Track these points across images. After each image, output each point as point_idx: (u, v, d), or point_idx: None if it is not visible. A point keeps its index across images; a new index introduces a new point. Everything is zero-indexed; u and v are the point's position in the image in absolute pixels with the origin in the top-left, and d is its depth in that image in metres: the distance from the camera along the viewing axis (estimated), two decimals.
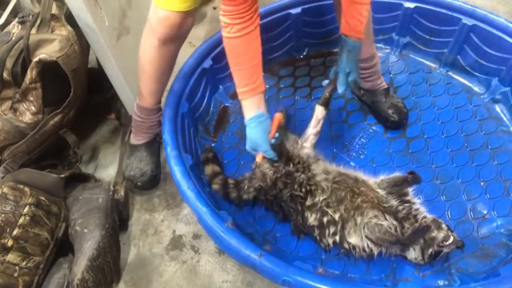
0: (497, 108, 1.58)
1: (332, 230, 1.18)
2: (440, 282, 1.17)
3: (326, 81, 1.33)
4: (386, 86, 1.54)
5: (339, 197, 1.19)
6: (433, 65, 1.74)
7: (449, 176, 1.40)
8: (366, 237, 1.14)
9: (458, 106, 1.59)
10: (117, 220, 1.32)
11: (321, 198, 1.20)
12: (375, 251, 1.16)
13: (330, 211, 1.18)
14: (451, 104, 1.60)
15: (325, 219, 1.18)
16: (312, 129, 1.30)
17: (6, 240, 1.12)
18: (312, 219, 1.20)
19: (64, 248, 1.27)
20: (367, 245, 1.15)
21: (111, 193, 1.33)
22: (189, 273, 1.28)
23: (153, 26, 1.18)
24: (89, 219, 1.24)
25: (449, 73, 1.70)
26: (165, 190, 1.47)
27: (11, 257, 1.13)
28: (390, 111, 1.51)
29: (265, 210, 1.34)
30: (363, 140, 1.52)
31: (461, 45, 1.62)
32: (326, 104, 1.30)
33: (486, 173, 1.40)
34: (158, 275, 1.28)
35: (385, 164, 1.43)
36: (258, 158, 1.22)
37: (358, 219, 1.15)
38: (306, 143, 1.29)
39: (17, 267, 1.14)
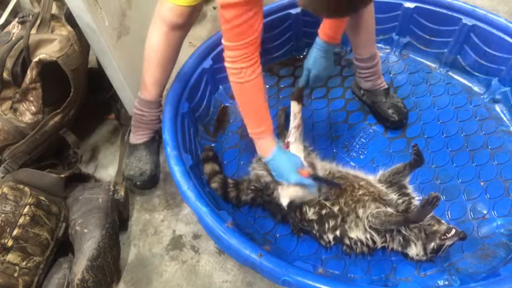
0: (497, 108, 1.58)
1: (332, 223, 1.18)
2: (440, 282, 1.17)
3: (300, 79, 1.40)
4: (386, 86, 1.54)
5: (339, 191, 1.20)
6: (433, 65, 1.74)
7: (449, 176, 1.40)
8: (370, 227, 1.14)
9: (458, 106, 1.60)
10: (117, 220, 1.32)
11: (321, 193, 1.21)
12: (378, 243, 1.16)
13: (328, 204, 1.19)
14: (451, 104, 1.60)
15: (323, 212, 1.19)
16: (292, 124, 1.31)
17: (6, 240, 1.12)
18: (310, 213, 1.21)
19: (64, 248, 1.27)
20: (370, 237, 1.15)
21: (111, 193, 1.33)
22: (189, 273, 1.28)
23: (162, 13, 1.22)
24: (89, 219, 1.24)
25: (449, 73, 1.70)
26: (165, 190, 1.47)
27: (11, 257, 1.13)
28: (390, 111, 1.51)
29: (263, 211, 1.34)
30: (363, 140, 1.52)
31: (461, 45, 1.63)
32: (298, 99, 1.32)
33: (486, 173, 1.40)
34: (158, 275, 1.28)
35: (385, 164, 1.43)
36: (305, 174, 1.16)
37: (360, 211, 1.16)
38: (290, 138, 1.30)
39: (17, 267, 1.14)
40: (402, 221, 1.11)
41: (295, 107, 1.31)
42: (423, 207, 1.04)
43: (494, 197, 1.34)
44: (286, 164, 1.15)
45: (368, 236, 1.16)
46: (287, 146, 1.29)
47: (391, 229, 1.15)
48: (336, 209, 1.18)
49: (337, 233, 1.19)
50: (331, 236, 1.20)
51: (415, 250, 1.15)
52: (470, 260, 1.21)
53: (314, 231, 1.22)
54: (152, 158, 1.45)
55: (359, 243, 1.17)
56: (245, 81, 1.05)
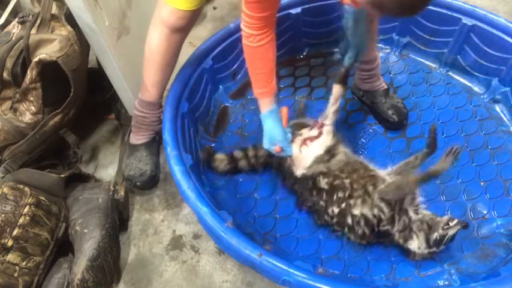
0: (497, 108, 1.58)
1: (340, 195, 1.21)
2: (440, 282, 1.17)
3: (338, 56, 1.31)
4: (385, 87, 1.54)
5: (353, 168, 1.24)
6: (433, 65, 1.74)
7: (449, 176, 1.40)
8: (382, 199, 1.16)
9: (458, 106, 1.59)
10: (117, 220, 1.32)
11: (337, 167, 1.25)
12: (385, 215, 1.16)
13: (343, 175, 1.23)
14: (451, 104, 1.60)
15: (335, 183, 1.22)
16: (330, 108, 1.32)
17: (6, 240, 1.12)
18: (323, 182, 1.24)
19: (64, 248, 1.27)
20: (378, 211, 1.16)
21: (111, 193, 1.33)
22: (189, 273, 1.28)
23: (164, 16, 1.23)
24: (89, 219, 1.24)
25: (449, 73, 1.70)
26: (165, 190, 1.47)
27: (11, 257, 1.13)
28: (390, 111, 1.51)
29: (273, 171, 1.40)
30: (363, 140, 1.52)
31: (461, 45, 1.62)
32: (342, 82, 1.31)
33: (486, 173, 1.40)
34: (158, 275, 1.28)
35: (385, 164, 1.42)
36: (276, 150, 1.28)
37: (370, 188, 1.19)
38: (326, 121, 1.32)
39: (17, 267, 1.14)
40: (428, 176, 1.17)
41: (337, 91, 1.30)
42: (447, 157, 1.18)
43: (494, 197, 1.34)
44: (266, 132, 1.28)
45: (375, 211, 1.16)
46: (321, 126, 1.31)
47: (401, 202, 1.16)
48: (347, 182, 1.21)
49: (343, 206, 1.20)
50: (336, 210, 1.20)
51: (416, 243, 1.16)
52: (470, 260, 1.21)
53: (321, 203, 1.24)
54: (152, 159, 1.46)
55: (362, 222, 1.17)
56: (254, 46, 1.16)
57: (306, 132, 1.33)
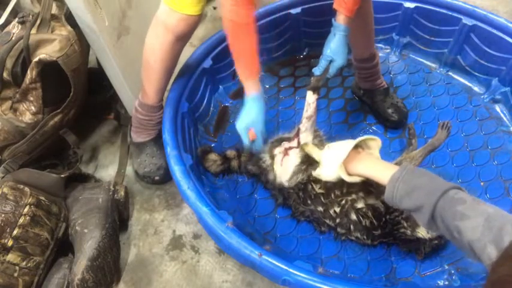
0: (497, 108, 1.58)
1: (337, 192, 1.20)
2: (440, 282, 1.17)
3: (315, 68, 1.31)
4: (386, 86, 1.55)
5: None
6: (433, 65, 1.74)
7: (449, 176, 1.40)
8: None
9: (458, 106, 1.60)
10: (117, 220, 1.32)
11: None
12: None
13: None
14: (451, 104, 1.60)
15: (329, 183, 1.21)
16: (304, 113, 1.31)
17: (6, 240, 1.12)
18: (317, 188, 1.22)
19: (64, 248, 1.27)
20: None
21: (111, 193, 1.33)
22: (189, 273, 1.28)
23: (172, 24, 1.21)
24: (89, 219, 1.24)
25: (449, 73, 1.70)
26: (165, 190, 1.47)
27: (11, 257, 1.13)
28: (390, 110, 1.51)
29: (265, 190, 1.38)
30: None
31: (461, 45, 1.63)
32: (314, 89, 1.30)
33: (486, 173, 1.40)
34: (158, 275, 1.28)
35: None
36: (251, 136, 1.25)
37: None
38: (301, 127, 1.31)
39: (17, 267, 1.14)
40: (428, 150, 1.27)
41: (310, 97, 1.30)
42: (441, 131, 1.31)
43: (494, 197, 1.34)
44: (248, 114, 1.24)
45: (383, 197, 1.14)
46: (297, 134, 1.30)
47: None
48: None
49: (343, 203, 1.19)
50: (338, 209, 1.20)
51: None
52: (470, 260, 1.21)
53: (319, 208, 1.22)
54: (163, 152, 1.45)
55: (370, 212, 1.17)
56: (242, 23, 1.12)
57: (287, 144, 1.31)
